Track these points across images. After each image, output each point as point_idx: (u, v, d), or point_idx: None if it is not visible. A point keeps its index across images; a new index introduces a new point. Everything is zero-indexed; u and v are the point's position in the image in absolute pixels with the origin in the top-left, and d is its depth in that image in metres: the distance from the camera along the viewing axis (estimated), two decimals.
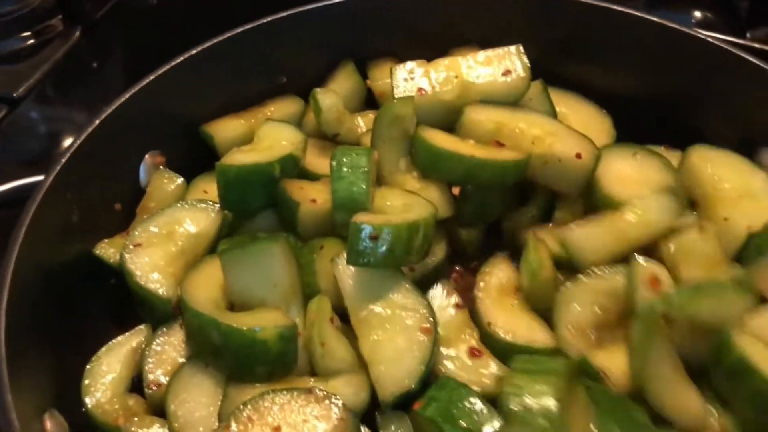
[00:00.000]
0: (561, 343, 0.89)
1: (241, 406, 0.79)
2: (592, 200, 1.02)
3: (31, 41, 1.73)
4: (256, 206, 1.03)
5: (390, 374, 0.84)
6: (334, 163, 0.99)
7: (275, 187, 1.01)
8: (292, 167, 1.04)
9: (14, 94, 1.57)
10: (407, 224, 0.88)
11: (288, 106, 1.20)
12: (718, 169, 1.02)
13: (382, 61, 1.24)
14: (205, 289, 0.90)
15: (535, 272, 0.94)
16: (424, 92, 1.07)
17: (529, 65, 1.09)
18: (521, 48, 1.10)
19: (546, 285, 0.94)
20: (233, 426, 0.77)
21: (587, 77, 1.21)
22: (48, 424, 0.78)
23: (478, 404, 0.80)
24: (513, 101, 1.09)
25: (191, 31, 1.71)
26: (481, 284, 0.99)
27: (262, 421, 0.78)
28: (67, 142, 1.53)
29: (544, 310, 0.94)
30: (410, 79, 1.09)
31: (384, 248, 0.86)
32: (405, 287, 0.90)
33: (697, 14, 1.65)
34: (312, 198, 1.00)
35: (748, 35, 1.52)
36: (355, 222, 0.86)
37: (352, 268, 0.90)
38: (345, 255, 0.89)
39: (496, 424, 0.77)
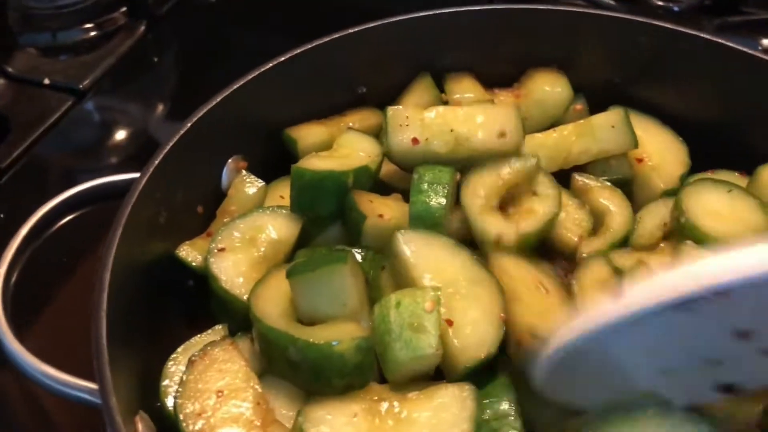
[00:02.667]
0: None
1: None
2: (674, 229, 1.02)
3: (94, 33, 1.75)
4: (326, 213, 1.03)
5: (470, 339, 0.85)
6: (416, 176, 1.00)
7: (347, 197, 1.01)
8: (366, 179, 1.04)
9: (80, 86, 1.59)
10: None
11: (368, 117, 1.21)
12: None
13: (460, 76, 1.24)
14: (274, 302, 0.89)
15: None
16: (417, 143, 1.04)
17: (522, 127, 1.06)
18: (516, 110, 1.07)
19: None
20: None
21: (660, 100, 1.21)
22: (140, 426, 0.78)
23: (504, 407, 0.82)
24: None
25: (250, 30, 1.76)
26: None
27: None
28: (121, 134, 1.56)
29: None
30: (405, 126, 1.04)
31: None
32: (471, 260, 0.92)
33: (765, 42, 1.63)
34: (380, 213, 1.00)
35: None
36: None
37: (413, 240, 0.92)
38: (404, 230, 0.93)
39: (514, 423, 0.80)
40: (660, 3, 1.66)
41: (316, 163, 1.01)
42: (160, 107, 1.65)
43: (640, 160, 1.12)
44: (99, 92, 1.60)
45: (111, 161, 1.51)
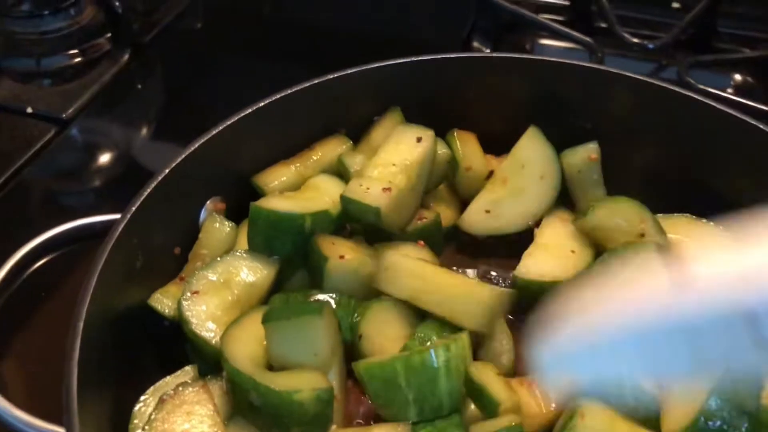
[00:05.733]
0: None
1: None
2: None
3: (79, 59, 1.75)
4: (282, 254, 1.04)
5: None
6: None
7: (305, 239, 1.03)
8: (327, 224, 1.05)
9: (63, 115, 1.60)
10: None
11: (336, 146, 1.20)
12: None
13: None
14: (246, 344, 0.91)
15: None
16: (389, 191, 1.05)
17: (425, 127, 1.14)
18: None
19: None
20: None
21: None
22: None
23: None
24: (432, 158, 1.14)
25: (235, 55, 1.77)
26: None
27: None
28: (104, 158, 1.56)
29: None
30: (367, 189, 1.05)
31: None
32: None
33: (737, 77, 1.67)
34: (341, 254, 1.01)
35: None
36: None
37: None
38: None
39: None
40: (635, 41, 1.70)
41: (275, 203, 1.02)
42: (145, 133, 1.65)
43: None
44: (83, 119, 1.60)
45: (96, 188, 1.49)
